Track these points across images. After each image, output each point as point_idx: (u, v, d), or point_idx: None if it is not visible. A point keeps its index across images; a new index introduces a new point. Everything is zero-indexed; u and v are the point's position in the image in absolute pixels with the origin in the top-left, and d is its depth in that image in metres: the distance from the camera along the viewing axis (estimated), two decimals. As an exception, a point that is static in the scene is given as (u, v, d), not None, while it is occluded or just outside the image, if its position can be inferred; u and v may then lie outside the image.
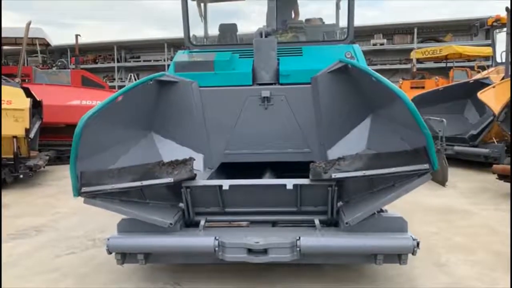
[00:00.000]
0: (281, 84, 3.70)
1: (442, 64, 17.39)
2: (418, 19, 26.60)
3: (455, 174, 6.56)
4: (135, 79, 25.69)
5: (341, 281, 2.94)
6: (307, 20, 5.08)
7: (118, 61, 31.64)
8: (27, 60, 12.90)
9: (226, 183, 2.69)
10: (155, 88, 3.33)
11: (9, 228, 4.34)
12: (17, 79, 7.07)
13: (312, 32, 4.87)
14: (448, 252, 3.47)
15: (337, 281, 2.93)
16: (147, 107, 3.36)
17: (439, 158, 2.37)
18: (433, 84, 11.91)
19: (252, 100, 3.63)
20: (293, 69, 3.71)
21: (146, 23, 58.78)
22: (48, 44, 12.32)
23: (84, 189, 2.50)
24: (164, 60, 29.09)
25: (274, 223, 2.90)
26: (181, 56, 4.11)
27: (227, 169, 3.71)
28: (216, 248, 2.49)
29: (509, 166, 5.27)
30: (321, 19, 5.09)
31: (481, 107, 7.14)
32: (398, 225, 2.58)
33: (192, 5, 4.70)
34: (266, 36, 3.69)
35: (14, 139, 6.06)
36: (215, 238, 2.51)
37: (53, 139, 8.40)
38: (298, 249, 2.46)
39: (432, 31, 27.28)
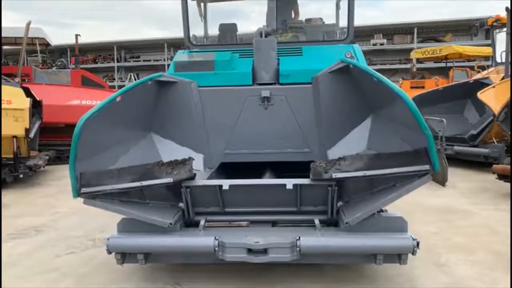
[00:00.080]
0: (281, 84, 3.70)
1: (442, 64, 17.40)
2: (418, 19, 26.60)
3: (455, 174, 6.56)
4: (135, 79, 25.69)
5: (341, 281, 2.93)
6: (307, 20, 5.08)
7: (118, 61, 31.63)
8: (27, 60, 12.89)
9: (226, 183, 2.68)
10: (154, 88, 3.33)
11: (9, 228, 4.34)
12: (17, 79, 7.06)
13: (312, 32, 4.87)
14: (448, 252, 3.47)
15: (337, 281, 2.93)
16: (146, 107, 3.35)
17: (439, 158, 2.36)
18: (433, 84, 11.92)
19: (252, 100, 3.63)
20: (293, 69, 3.71)
21: (146, 23, 58.80)
22: (48, 44, 12.33)
23: (83, 189, 2.50)
24: (164, 60, 29.10)
25: (274, 223, 2.90)
26: (181, 56, 4.11)
27: (227, 169, 3.71)
28: (216, 248, 2.49)
29: (509, 166, 5.27)
30: (321, 19, 5.09)
31: (481, 107, 7.14)
32: (398, 225, 2.57)
33: (192, 5, 4.70)
34: (266, 36, 3.69)
35: (14, 139, 6.06)
36: (215, 238, 2.51)
37: (53, 139, 8.40)
38: (298, 249, 2.46)
39: (432, 31, 27.28)
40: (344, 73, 3.30)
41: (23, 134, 6.09)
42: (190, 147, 3.54)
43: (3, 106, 5.92)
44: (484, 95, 6.71)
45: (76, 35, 12.55)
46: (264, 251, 2.50)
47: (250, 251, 2.50)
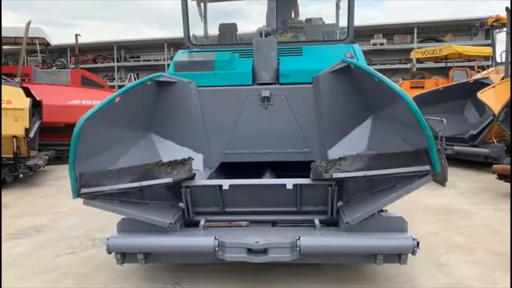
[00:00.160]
0: (281, 84, 3.70)
1: (442, 64, 17.40)
2: (418, 19, 26.61)
3: (455, 174, 6.57)
4: (135, 79, 25.68)
5: (341, 281, 2.93)
6: (307, 20, 5.08)
7: (118, 61, 31.61)
8: (27, 60, 12.88)
9: (226, 183, 2.68)
10: (153, 88, 3.33)
11: (9, 228, 4.34)
12: (17, 79, 7.06)
13: (312, 32, 4.87)
14: (448, 252, 3.47)
15: (337, 281, 2.93)
16: (146, 107, 3.35)
17: (439, 158, 2.36)
18: (433, 84, 11.92)
19: (252, 100, 3.63)
20: (293, 69, 3.71)
21: (146, 23, 58.78)
22: (48, 44, 12.32)
23: (83, 190, 2.50)
24: (164, 60, 29.09)
25: (274, 223, 2.90)
26: (181, 55, 4.10)
27: (227, 169, 3.71)
28: (216, 248, 2.49)
29: (509, 166, 5.27)
30: (321, 19, 5.09)
31: (481, 107, 7.14)
32: (398, 225, 2.57)
33: (192, 5, 4.70)
34: (266, 36, 3.69)
35: (14, 139, 6.06)
36: (215, 238, 2.51)
37: (53, 138, 8.40)
38: (298, 249, 2.46)
39: (432, 31, 27.28)
40: (345, 73, 3.29)
41: (23, 134, 6.09)
42: (190, 147, 3.54)
43: (3, 106, 5.92)
44: (484, 95, 6.71)
45: (76, 35, 12.56)
46: (264, 251, 2.50)
47: (250, 251, 2.50)
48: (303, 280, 2.94)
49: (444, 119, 4.84)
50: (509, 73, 7.12)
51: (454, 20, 25.69)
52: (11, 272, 3.21)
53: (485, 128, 6.97)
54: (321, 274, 3.03)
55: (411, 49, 18.54)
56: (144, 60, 31.42)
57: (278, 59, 3.79)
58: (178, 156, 2.86)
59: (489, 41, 11.85)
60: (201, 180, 2.83)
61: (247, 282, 2.91)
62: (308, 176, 2.63)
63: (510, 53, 7.50)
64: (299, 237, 2.48)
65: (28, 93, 6.56)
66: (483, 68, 13.54)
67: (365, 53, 4.41)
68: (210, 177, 3.31)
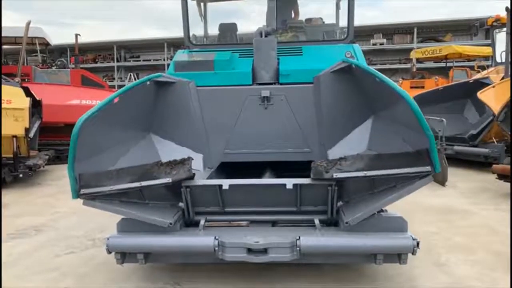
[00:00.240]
0: (281, 84, 3.69)
1: (442, 64, 17.40)
2: (417, 19, 26.60)
3: (455, 174, 6.56)
4: (135, 79, 25.68)
5: (341, 281, 2.93)
6: (307, 20, 5.08)
7: (117, 61, 31.61)
8: (26, 60, 12.89)
9: (226, 183, 2.68)
10: (153, 88, 3.33)
11: (8, 227, 4.34)
12: (17, 79, 7.07)
13: (312, 31, 4.87)
14: (448, 252, 3.47)
15: (337, 281, 2.93)
16: (145, 107, 3.35)
17: (439, 158, 2.35)
18: (432, 83, 11.92)
19: (252, 100, 3.63)
20: (293, 69, 3.71)
21: (146, 23, 58.75)
22: (47, 44, 12.31)
23: (83, 191, 2.50)
24: (164, 60, 29.09)
25: (274, 223, 2.89)
26: (181, 55, 4.10)
27: (227, 169, 3.71)
28: (216, 248, 2.48)
29: (509, 166, 5.27)
30: (321, 19, 5.09)
31: (481, 107, 7.14)
32: (398, 225, 2.57)
33: (192, 5, 4.70)
34: (266, 36, 3.69)
35: (14, 139, 6.05)
36: (215, 237, 2.50)
37: (53, 138, 8.41)
38: (298, 248, 2.46)
39: (431, 31, 27.28)
40: (346, 73, 3.29)
41: (23, 134, 6.09)
42: (190, 147, 3.54)
43: (3, 105, 5.92)
44: (484, 95, 6.71)
45: (76, 35, 12.55)
46: (264, 251, 2.49)
47: (250, 251, 2.50)
48: (303, 280, 2.94)
49: (444, 119, 4.84)
50: (509, 73, 7.12)
51: (454, 20, 25.70)
52: (11, 271, 3.21)
53: (485, 128, 6.98)
54: (321, 274, 3.03)
55: (411, 49, 18.55)
56: (144, 60, 31.41)
57: (278, 59, 3.79)
58: (177, 156, 2.86)
59: (489, 41, 11.84)
60: (201, 180, 2.83)
61: (247, 282, 2.91)
62: (308, 176, 2.63)
63: (510, 53, 7.50)
64: (299, 237, 2.48)
65: (28, 93, 6.56)
66: (483, 68, 13.54)
67: (365, 53, 4.42)
68: (210, 177, 3.31)
